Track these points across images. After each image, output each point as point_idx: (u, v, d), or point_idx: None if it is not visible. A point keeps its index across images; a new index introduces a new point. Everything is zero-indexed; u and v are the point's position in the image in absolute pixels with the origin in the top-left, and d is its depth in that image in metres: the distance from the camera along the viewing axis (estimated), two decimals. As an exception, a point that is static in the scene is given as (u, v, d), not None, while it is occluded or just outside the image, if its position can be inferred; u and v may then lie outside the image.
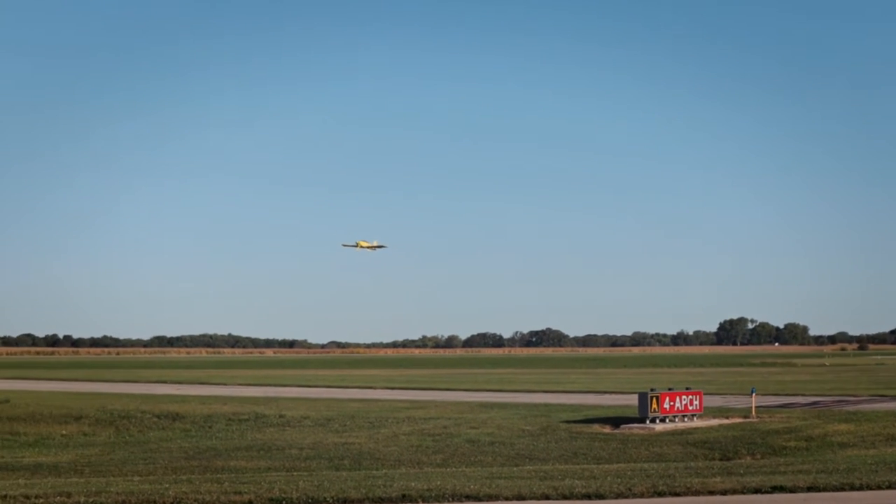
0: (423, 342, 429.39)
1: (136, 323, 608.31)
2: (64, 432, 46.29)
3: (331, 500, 23.50)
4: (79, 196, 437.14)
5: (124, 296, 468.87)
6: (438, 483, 26.00)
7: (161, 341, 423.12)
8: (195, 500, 23.47)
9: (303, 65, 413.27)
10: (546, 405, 58.08)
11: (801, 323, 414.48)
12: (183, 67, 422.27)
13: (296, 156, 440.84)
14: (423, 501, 23.73)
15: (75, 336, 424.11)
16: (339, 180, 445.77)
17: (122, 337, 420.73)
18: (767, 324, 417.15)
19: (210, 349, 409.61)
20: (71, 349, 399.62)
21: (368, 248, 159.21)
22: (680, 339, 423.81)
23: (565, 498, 24.14)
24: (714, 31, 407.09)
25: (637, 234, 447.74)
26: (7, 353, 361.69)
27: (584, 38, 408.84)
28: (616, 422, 48.17)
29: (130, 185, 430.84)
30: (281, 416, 52.73)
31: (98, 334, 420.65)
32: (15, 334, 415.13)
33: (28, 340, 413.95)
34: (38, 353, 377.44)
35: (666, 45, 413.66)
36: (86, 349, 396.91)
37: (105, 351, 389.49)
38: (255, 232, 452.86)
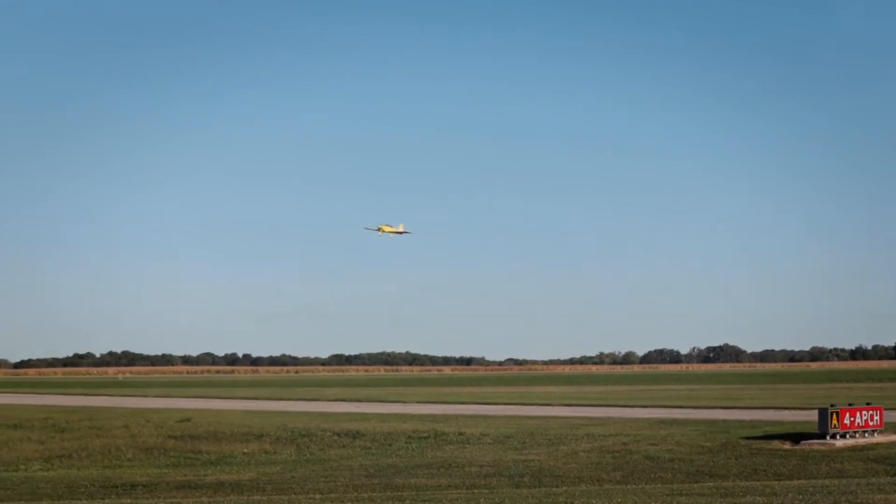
0: (599, 359, 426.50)
1: (314, 341, 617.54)
2: (245, 450, 47.02)
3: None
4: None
5: (303, 315, 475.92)
6: (619, 500, 25.48)
7: (339, 359, 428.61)
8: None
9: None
10: (724, 421, 57.14)
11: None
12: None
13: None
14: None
15: (254, 355, 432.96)
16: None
17: (300, 356, 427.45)
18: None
19: (388, 367, 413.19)
20: (250, 368, 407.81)
21: (392, 232, 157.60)
22: (858, 353, 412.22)
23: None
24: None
25: (814, 247, 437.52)
26: (188, 372, 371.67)
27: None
28: (796, 438, 47.17)
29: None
30: (460, 434, 52.59)
31: (277, 353, 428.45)
32: (195, 353, 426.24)
33: (208, 360, 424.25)
34: (217, 371, 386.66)
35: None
36: (265, 368, 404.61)
37: (284, 369, 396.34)
38: (427, 249, 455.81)
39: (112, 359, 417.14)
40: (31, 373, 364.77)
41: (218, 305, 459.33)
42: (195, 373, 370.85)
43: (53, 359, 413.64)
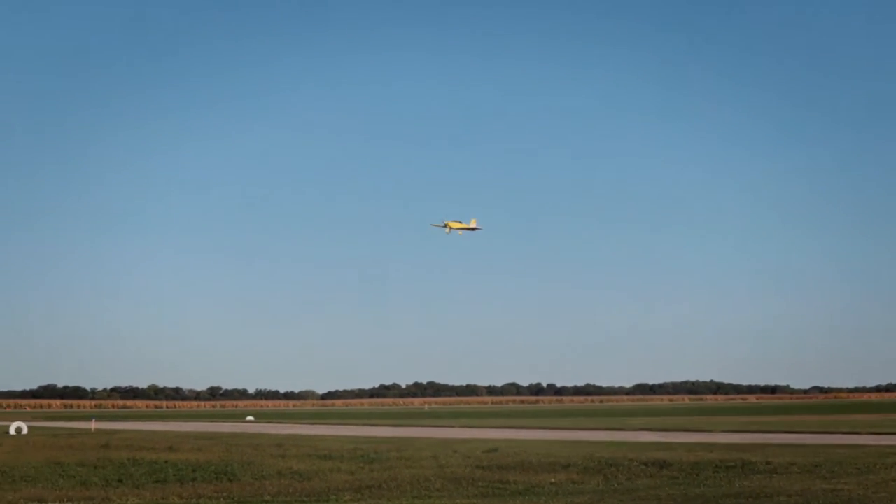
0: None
1: (617, 371, 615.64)
2: (553, 480, 46.55)
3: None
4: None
5: (607, 345, 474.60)
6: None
7: (643, 388, 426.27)
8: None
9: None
10: None
11: None
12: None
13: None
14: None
15: (559, 384, 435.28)
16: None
17: (604, 385, 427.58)
18: None
19: (692, 396, 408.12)
20: (554, 397, 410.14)
21: (460, 229, 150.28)
22: None
23: None
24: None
25: None
26: (493, 402, 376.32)
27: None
28: None
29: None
30: (767, 463, 50.94)
31: (581, 383, 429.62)
32: (500, 384, 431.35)
33: (513, 390, 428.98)
34: (522, 401, 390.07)
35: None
36: (569, 397, 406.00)
37: (588, 399, 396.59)
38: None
39: (418, 389, 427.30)
40: (339, 404, 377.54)
41: (522, 336, 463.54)
42: (500, 403, 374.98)
43: (360, 390, 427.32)
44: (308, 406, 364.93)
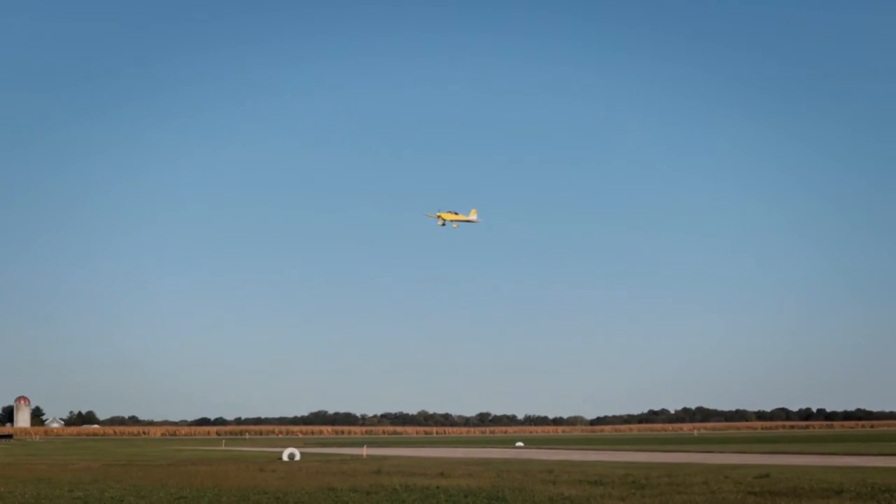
0: None
1: (889, 394, 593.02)
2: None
3: None
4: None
5: (879, 369, 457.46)
6: None
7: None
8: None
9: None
10: None
11: None
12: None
13: None
14: None
15: (828, 409, 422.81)
16: None
17: (875, 409, 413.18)
18: None
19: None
20: (825, 423, 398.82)
21: (454, 221, 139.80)
22: None
23: None
24: None
25: None
26: (762, 428, 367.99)
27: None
28: None
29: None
30: None
31: (851, 407, 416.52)
32: (769, 409, 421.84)
33: (782, 415, 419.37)
34: (792, 426, 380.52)
35: None
36: (839, 422, 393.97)
37: (859, 424, 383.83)
38: None
39: (686, 415, 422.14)
40: (608, 429, 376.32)
41: (790, 361, 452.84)
42: (770, 428, 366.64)
43: (629, 415, 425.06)
44: (577, 432, 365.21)
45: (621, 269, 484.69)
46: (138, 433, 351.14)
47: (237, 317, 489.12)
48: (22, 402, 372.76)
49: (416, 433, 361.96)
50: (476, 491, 54.46)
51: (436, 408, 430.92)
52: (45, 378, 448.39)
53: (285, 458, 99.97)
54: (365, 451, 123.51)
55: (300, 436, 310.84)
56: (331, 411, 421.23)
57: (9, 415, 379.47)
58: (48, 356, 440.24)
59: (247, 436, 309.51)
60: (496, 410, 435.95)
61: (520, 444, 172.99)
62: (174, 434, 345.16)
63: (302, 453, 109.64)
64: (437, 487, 57.02)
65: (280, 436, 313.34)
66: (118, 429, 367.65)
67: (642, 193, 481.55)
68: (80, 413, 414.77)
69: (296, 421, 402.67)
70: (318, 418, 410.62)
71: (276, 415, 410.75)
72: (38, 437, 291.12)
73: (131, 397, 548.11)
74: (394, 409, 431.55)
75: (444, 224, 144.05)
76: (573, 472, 69.46)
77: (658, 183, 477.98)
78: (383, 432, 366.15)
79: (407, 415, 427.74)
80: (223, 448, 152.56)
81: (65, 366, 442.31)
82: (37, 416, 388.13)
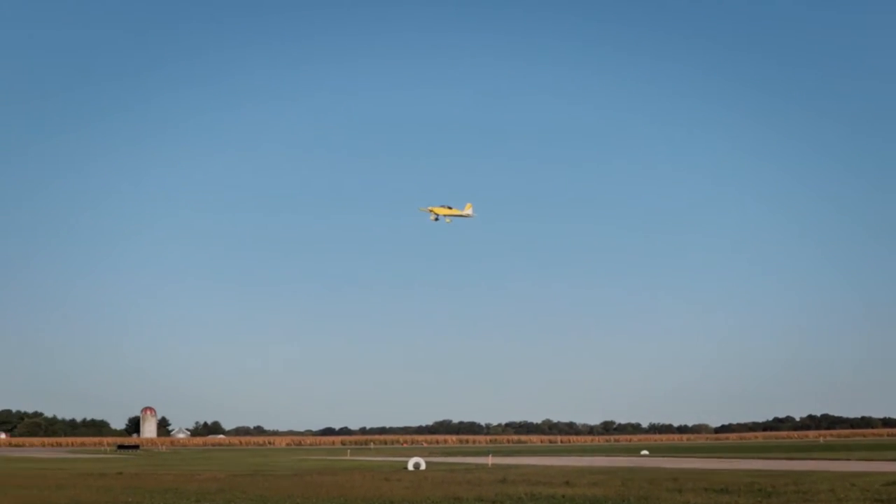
0: None
1: None
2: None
3: None
4: None
5: None
6: None
7: None
8: None
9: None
10: None
11: None
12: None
13: None
14: None
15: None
16: None
17: None
18: None
19: None
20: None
21: (448, 216, 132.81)
22: None
23: None
24: None
25: None
26: (889, 435, 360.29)
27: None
28: None
29: None
30: None
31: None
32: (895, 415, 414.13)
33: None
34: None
35: None
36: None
37: None
38: None
39: (811, 422, 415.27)
40: (733, 437, 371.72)
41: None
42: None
43: (754, 423, 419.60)
44: (701, 440, 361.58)
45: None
46: (263, 443, 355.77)
47: (362, 327, 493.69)
48: (148, 412, 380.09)
49: (541, 442, 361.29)
50: (601, 500, 54.82)
51: (560, 416, 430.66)
52: (172, 389, 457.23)
53: (410, 467, 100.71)
54: (490, 460, 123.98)
55: (425, 445, 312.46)
56: (455, 420, 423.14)
57: (135, 425, 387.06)
58: (174, 367, 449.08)
59: (371, 445, 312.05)
60: (620, 419, 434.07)
61: (645, 452, 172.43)
62: (299, 444, 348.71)
63: (427, 462, 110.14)
64: (563, 496, 57.32)
65: (405, 445, 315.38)
66: (244, 439, 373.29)
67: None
68: (205, 423, 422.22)
69: (420, 430, 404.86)
70: (443, 427, 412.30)
71: (401, 424, 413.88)
72: (164, 447, 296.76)
73: (256, 407, 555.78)
74: (518, 418, 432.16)
75: (437, 219, 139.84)
76: (699, 481, 69.47)
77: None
78: (508, 441, 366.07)
79: (531, 423, 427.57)
80: (348, 458, 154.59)
81: (190, 376, 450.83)
82: (163, 426, 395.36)
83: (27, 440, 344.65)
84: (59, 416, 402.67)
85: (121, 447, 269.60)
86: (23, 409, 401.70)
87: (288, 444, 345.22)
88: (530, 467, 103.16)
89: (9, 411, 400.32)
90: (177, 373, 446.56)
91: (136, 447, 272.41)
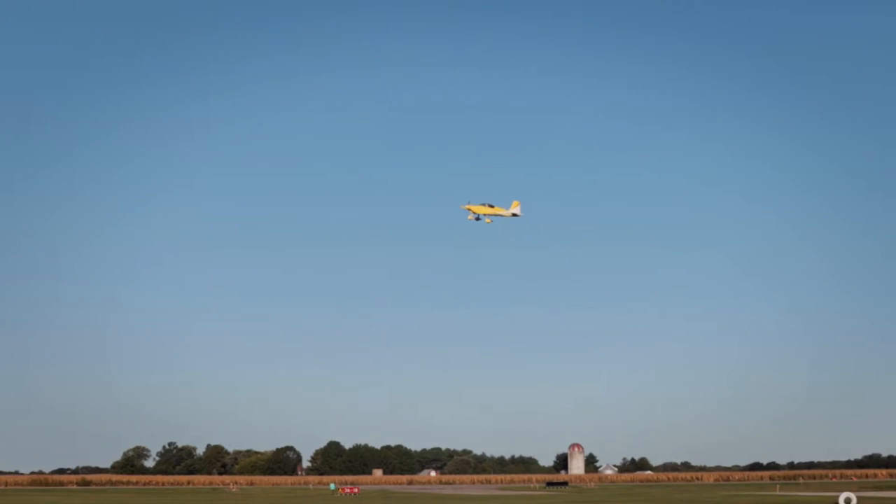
0: None
1: None
2: None
3: None
4: None
5: None
6: None
7: None
8: None
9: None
10: None
11: None
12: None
13: None
14: None
15: None
16: None
17: None
18: None
19: None
20: None
21: (488, 216, 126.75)
22: None
23: None
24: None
25: None
26: None
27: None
28: None
29: None
30: None
31: None
32: None
33: None
34: None
35: None
36: None
37: None
38: None
39: None
40: None
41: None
42: None
43: None
44: None
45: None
46: (691, 479, 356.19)
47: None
48: (576, 449, 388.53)
49: None
50: None
51: None
52: (599, 425, 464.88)
53: (842, 502, 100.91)
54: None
55: (854, 479, 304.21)
56: (885, 454, 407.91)
57: (563, 462, 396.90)
58: (600, 404, 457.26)
59: (800, 480, 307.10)
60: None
61: None
62: (727, 479, 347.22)
63: (858, 497, 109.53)
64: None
65: (833, 479, 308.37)
66: (671, 475, 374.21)
67: None
68: (632, 459, 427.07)
69: (849, 465, 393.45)
70: (872, 462, 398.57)
71: (829, 458, 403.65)
72: (592, 483, 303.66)
73: (684, 443, 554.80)
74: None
75: (477, 219, 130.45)
76: None
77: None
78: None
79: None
80: (777, 493, 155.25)
81: (618, 412, 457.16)
82: (590, 462, 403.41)
83: (457, 477, 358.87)
84: (488, 454, 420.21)
85: (549, 484, 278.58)
86: (452, 448, 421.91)
87: (716, 480, 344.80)
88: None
89: (438, 449, 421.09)
90: (603, 409, 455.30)
91: (564, 484, 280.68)
